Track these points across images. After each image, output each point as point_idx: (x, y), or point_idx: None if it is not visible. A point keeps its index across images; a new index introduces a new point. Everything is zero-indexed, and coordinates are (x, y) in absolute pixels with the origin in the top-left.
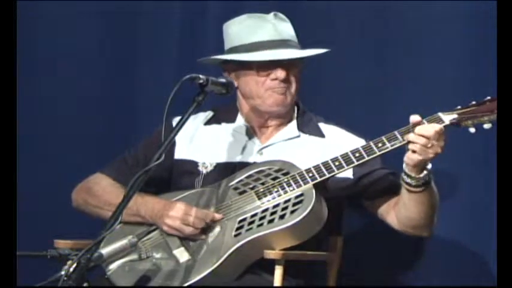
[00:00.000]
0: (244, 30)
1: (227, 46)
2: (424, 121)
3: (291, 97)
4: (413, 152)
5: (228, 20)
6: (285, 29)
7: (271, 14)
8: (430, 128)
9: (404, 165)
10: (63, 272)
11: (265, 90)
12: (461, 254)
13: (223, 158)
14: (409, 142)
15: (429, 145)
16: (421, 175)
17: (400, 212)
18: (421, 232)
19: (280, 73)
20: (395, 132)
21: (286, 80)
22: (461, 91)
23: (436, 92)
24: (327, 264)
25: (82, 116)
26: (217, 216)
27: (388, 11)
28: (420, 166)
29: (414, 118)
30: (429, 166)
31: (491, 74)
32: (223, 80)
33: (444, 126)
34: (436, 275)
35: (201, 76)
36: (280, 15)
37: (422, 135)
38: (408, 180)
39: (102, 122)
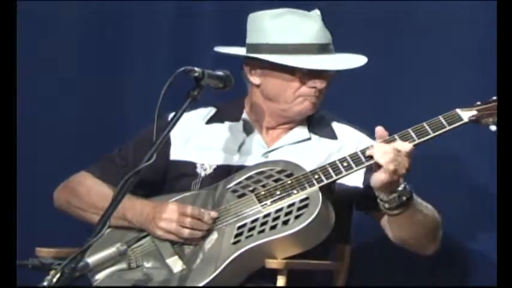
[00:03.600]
0: (286, 27)
1: (257, 40)
2: (396, 136)
3: (319, 104)
4: (376, 170)
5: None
6: (327, 30)
7: (316, 11)
8: (386, 148)
9: (374, 189)
10: (45, 283)
11: (296, 97)
12: (461, 254)
13: (224, 160)
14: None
15: (396, 163)
16: (391, 197)
17: (391, 231)
18: (419, 251)
19: (321, 83)
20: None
21: (321, 89)
22: (474, 87)
23: (448, 88)
24: (334, 274)
25: (69, 114)
26: (214, 213)
27: (397, 7)
28: (388, 188)
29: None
30: (400, 187)
31: None
32: (220, 73)
33: (460, 125)
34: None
35: (196, 69)
36: (318, 12)
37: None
38: (381, 203)
39: (91, 118)
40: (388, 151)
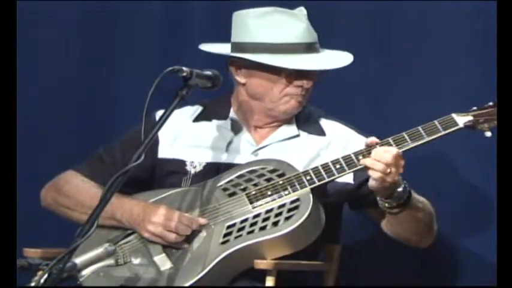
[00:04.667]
0: (271, 26)
1: (242, 39)
2: (390, 140)
3: (305, 103)
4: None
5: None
6: (313, 29)
7: (301, 9)
8: (385, 154)
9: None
10: (33, 284)
11: (282, 96)
12: (461, 255)
13: (213, 158)
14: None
15: (388, 171)
16: (391, 198)
17: (388, 226)
18: (415, 245)
19: (307, 83)
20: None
21: (308, 88)
22: (470, 89)
23: (444, 90)
24: (324, 274)
25: (56, 113)
26: (203, 221)
27: (392, 6)
28: (386, 192)
29: (370, 141)
30: (400, 188)
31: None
32: (208, 73)
33: (454, 130)
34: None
35: (184, 68)
36: (304, 10)
37: (379, 160)
38: (381, 203)
39: (79, 117)
40: (381, 160)
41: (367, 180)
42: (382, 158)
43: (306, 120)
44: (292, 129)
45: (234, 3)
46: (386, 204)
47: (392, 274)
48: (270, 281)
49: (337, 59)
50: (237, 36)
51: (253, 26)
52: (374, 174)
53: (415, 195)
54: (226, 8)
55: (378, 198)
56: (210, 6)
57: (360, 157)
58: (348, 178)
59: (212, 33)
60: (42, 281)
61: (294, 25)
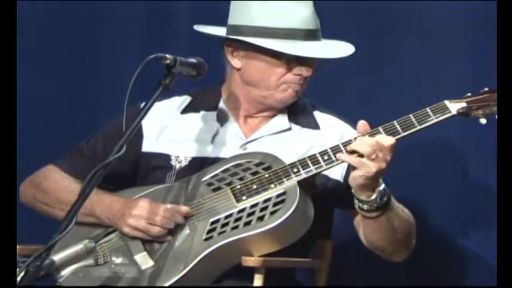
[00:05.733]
0: (273, 10)
1: (240, 22)
2: (380, 129)
3: (301, 93)
4: (354, 168)
5: None
6: (316, 16)
7: None
8: (370, 139)
9: (352, 189)
10: None
11: (280, 84)
12: (460, 254)
13: (199, 152)
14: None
15: (373, 156)
16: (372, 197)
17: (364, 234)
18: (389, 257)
19: (307, 71)
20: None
21: (306, 77)
22: (464, 77)
23: (438, 79)
24: (315, 271)
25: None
26: (185, 209)
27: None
28: (368, 186)
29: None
30: (381, 187)
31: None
32: (193, 60)
33: (447, 117)
34: (433, 283)
35: (167, 56)
36: None
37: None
38: (359, 205)
39: (61, 107)
40: (371, 143)
41: None
42: (368, 141)
43: (299, 112)
44: (284, 121)
45: None
46: (366, 206)
47: (386, 272)
48: (258, 279)
49: (339, 48)
50: (235, 19)
51: (255, 9)
52: (360, 163)
53: (394, 201)
54: None
55: (356, 201)
56: None
57: (348, 148)
58: (338, 175)
59: (198, 21)
60: (18, 279)
61: (297, 11)
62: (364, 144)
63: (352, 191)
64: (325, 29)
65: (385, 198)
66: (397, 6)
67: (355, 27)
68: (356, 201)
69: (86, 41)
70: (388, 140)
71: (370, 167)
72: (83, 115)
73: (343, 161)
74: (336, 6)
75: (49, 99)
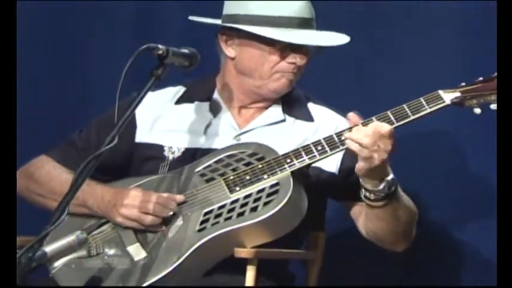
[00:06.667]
0: None
1: (236, 11)
2: (374, 119)
3: (295, 82)
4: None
5: None
6: (311, 5)
7: None
8: (366, 131)
9: (360, 178)
10: None
11: (273, 72)
12: (458, 252)
13: (192, 143)
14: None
15: (375, 147)
16: (380, 187)
17: (366, 224)
18: (390, 247)
19: (301, 59)
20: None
21: (300, 66)
22: (459, 68)
23: (428, 70)
24: (308, 263)
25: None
26: (180, 197)
27: None
28: (375, 176)
29: (352, 118)
30: (389, 177)
31: (492, 51)
32: (185, 51)
33: (441, 107)
34: (427, 274)
35: (160, 46)
36: None
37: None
38: (366, 194)
39: (53, 99)
40: (369, 133)
41: (351, 170)
42: (365, 131)
43: (293, 104)
44: (278, 113)
45: None
46: (372, 196)
47: (381, 264)
48: (250, 270)
49: (333, 37)
50: (230, 8)
51: None
52: (362, 152)
53: (400, 190)
54: None
55: (363, 189)
56: None
57: (342, 137)
58: (331, 168)
59: (190, 13)
60: None
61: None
62: (362, 134)
63: (360, 180)
64: (321, 26)
65: (393, 188)
66: (393, 2)
67: (351, 23)
68: (363, 190)
69: (78, 32)
70: (384, 127)
71: (373, 159)
72: (76, 107)
73: (336, 152)
74: (333, 3)
75: (40, 91)
